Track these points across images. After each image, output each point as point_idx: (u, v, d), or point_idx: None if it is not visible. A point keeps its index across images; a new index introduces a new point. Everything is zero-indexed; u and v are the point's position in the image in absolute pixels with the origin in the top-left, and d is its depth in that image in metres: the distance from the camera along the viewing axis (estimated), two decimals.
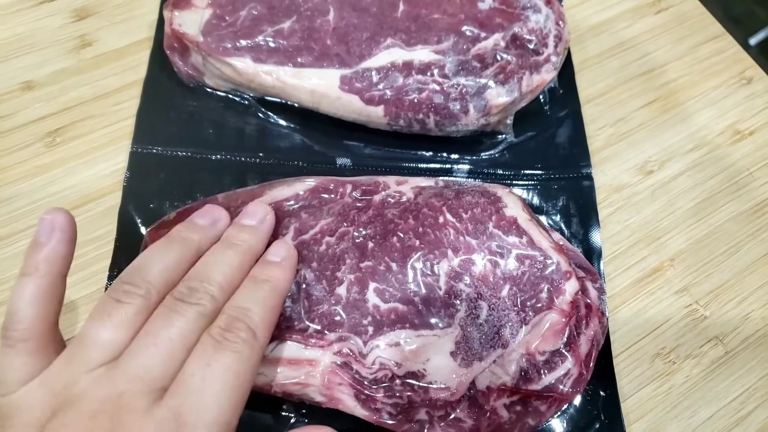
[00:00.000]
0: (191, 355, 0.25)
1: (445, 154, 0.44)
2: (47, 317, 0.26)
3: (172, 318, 0.26)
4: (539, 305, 0.34)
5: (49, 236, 0.26)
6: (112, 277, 0.37)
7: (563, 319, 0.33)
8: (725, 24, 0.52)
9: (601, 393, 0.36)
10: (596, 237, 0.41)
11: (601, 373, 0.37)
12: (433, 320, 0.33)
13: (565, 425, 0.36)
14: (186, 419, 0.23)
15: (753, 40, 1.45)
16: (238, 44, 0.40)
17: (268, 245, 0.33)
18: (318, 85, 0.40)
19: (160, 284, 0.27)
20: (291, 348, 0.33)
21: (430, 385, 0.32)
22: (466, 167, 0.43)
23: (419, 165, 0.43)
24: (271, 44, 0.40)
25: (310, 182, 0.38)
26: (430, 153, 0.44)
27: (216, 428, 0.24)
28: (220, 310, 0.27)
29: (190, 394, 0.24)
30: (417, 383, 0.32)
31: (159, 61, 0.45)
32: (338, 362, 0.32)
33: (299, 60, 0.40)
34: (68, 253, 0.27)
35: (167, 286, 0.27)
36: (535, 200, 0.42)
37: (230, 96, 0.44)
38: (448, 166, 0.43)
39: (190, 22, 0.42)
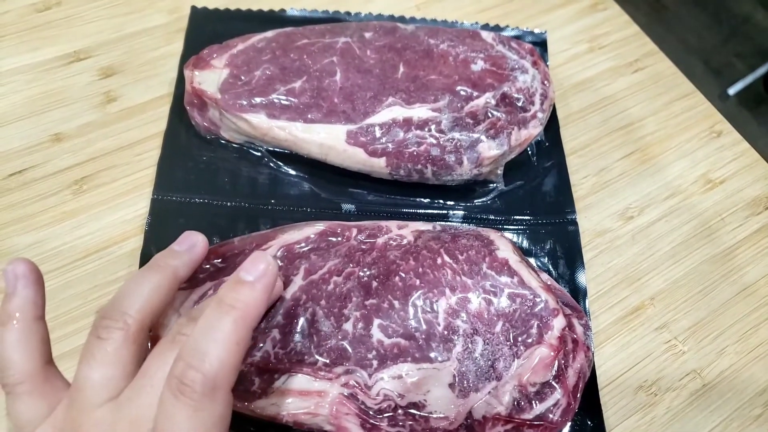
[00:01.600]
0: (157, 407, 0.25)
1: (441, 201, 0.47)
2: (35, 358, 0.27)
3: (167, 357, 0.26)
4: (530, 340, 0.37)
5: (14, 286, 0.27)
6: None
7: (552, 353, 0.36)
8: (705, 75, 0.57)
9: (589, 423, 0.39)
10: (581, 278, 0.45)
11: (588, 404, 0.39)
12: (432, 354, 0.36)
13: None
14: None
15: (731, 90, 1.52)
16: (253, 101, 0.44)
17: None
18: (326, 139, 0.44)
19: (136, 312, 0.27)
20: (301, 380, 0.35)
21: (431, 415, 0.35)
22: (461, 213, 0.47)
23: (418, 211, 0.47)
24: (284, 102, 0.44)
25: (319, 226, 0.41)
26: (428, 200, 0.47)
27: None
28: None
29: None
30: (418, 413, 0.35)
31: (178, 115, 0.49)
32: (345, 393, 0.35)
33: (309, 116, 0.44)
34: (36, 297, 0.27)
35: (145, 313, 0.27)
36: (525, 243, 0.46)
37: (244, 147, 0.48)
38: (444, 211, 0.47)
39: (209, 81, 0.46)
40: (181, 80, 0.50)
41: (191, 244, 0.33)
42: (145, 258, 0.42)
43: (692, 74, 0.58)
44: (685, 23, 1.61)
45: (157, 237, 0.43)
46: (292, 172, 0.47)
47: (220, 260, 0.40)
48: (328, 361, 0.36)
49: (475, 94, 0.46)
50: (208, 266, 0.39)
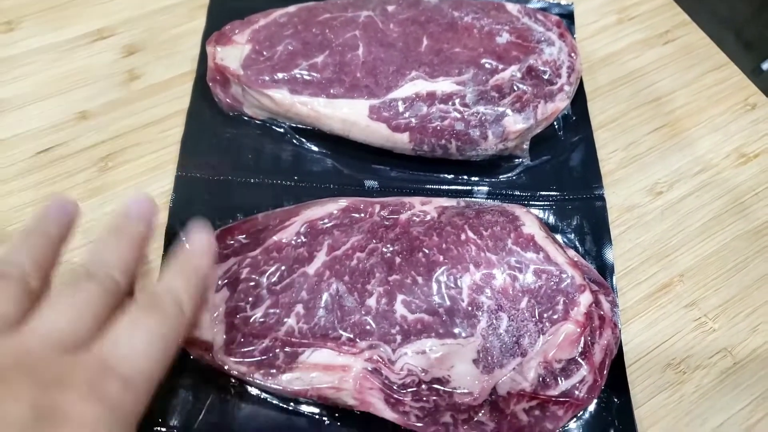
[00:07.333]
0: (119, 317, 0.26)
1: (465, 177, 0.47)
2: None
3: (79, 286, 0.27)
4: (556, 316, 0.36)
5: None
6: None
7: (578, 330, 0.36)
8: (737, 49, 0.54)
9: (615, 400, 0.39)
10: (609, 254, 0.44)
11: (615, 382, 0.39)
12: (456, 330, 0.36)
13: (581, 431, 0.38)
14: (113, 364, 0.25)
15: (765, 65, 1.47)
16: (275, 77, 0.44)
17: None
18: (349, 115, 0.43)
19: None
20: (326, 355, 0.35)
21: (455, 390, 0.35)
22: (485, 189, 0.46)
23: (441, 187, 0.46)
24: (306, 77, 0.44)
25: (342, 203, 0.41)
26: (452, 176, 0.47)
27: (143, 376, 0.25)
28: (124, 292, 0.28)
29: (118, 345, 0.25)
30: (442, 388, 0.35)
31: (201, 91, 0.49)
32: (369, 368, 0.35)
33: (331, 91, 0.44)
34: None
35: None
36: (551, 219, 0.45)
37: (267, 124, 0.48)
38: (469, 187, 0.46)
39: (231, 57, 0.45)
40: (203, 57, 0.50)
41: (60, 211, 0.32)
42: (169, 235, 0.42)
43: (724, 48, 0.56)
44: None
45: (181, 214, 0.43)
46: (315, 149, 0.47)
47: (244, 236, 0.40)
48: (351, 336, 0.36)
49: (501, 67, 0.45)
50: (232, 242, 0.39)
